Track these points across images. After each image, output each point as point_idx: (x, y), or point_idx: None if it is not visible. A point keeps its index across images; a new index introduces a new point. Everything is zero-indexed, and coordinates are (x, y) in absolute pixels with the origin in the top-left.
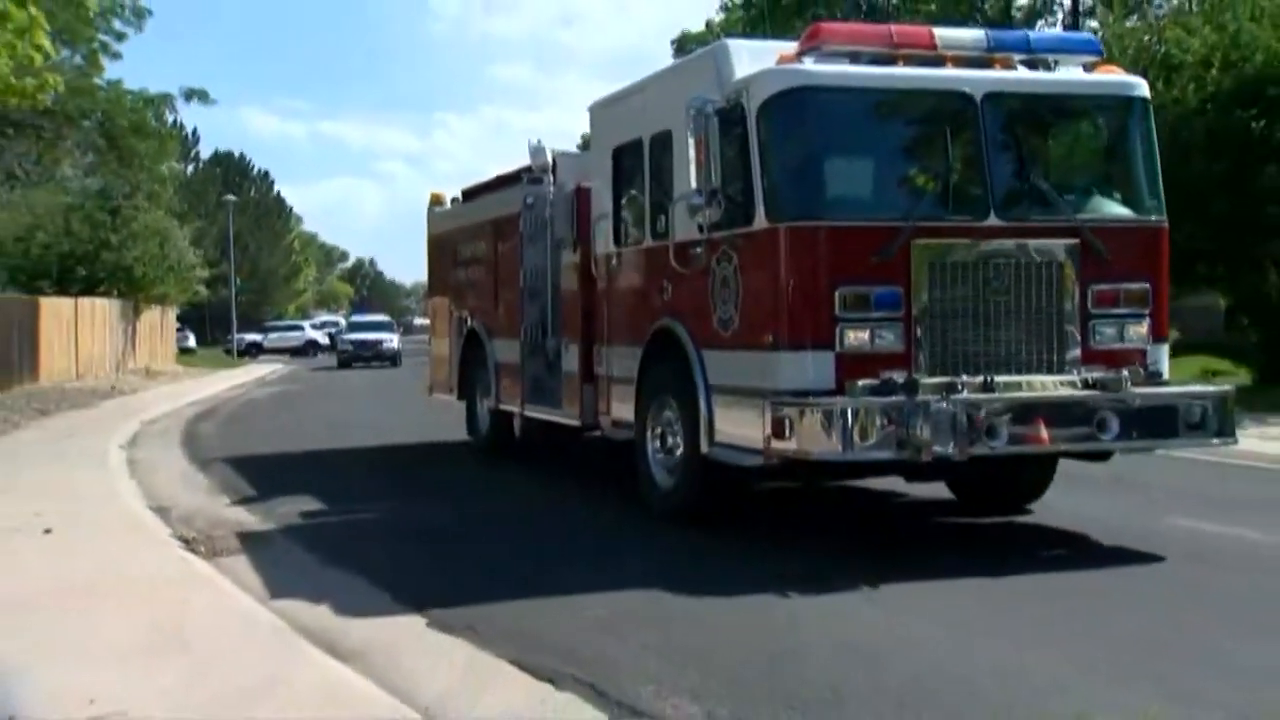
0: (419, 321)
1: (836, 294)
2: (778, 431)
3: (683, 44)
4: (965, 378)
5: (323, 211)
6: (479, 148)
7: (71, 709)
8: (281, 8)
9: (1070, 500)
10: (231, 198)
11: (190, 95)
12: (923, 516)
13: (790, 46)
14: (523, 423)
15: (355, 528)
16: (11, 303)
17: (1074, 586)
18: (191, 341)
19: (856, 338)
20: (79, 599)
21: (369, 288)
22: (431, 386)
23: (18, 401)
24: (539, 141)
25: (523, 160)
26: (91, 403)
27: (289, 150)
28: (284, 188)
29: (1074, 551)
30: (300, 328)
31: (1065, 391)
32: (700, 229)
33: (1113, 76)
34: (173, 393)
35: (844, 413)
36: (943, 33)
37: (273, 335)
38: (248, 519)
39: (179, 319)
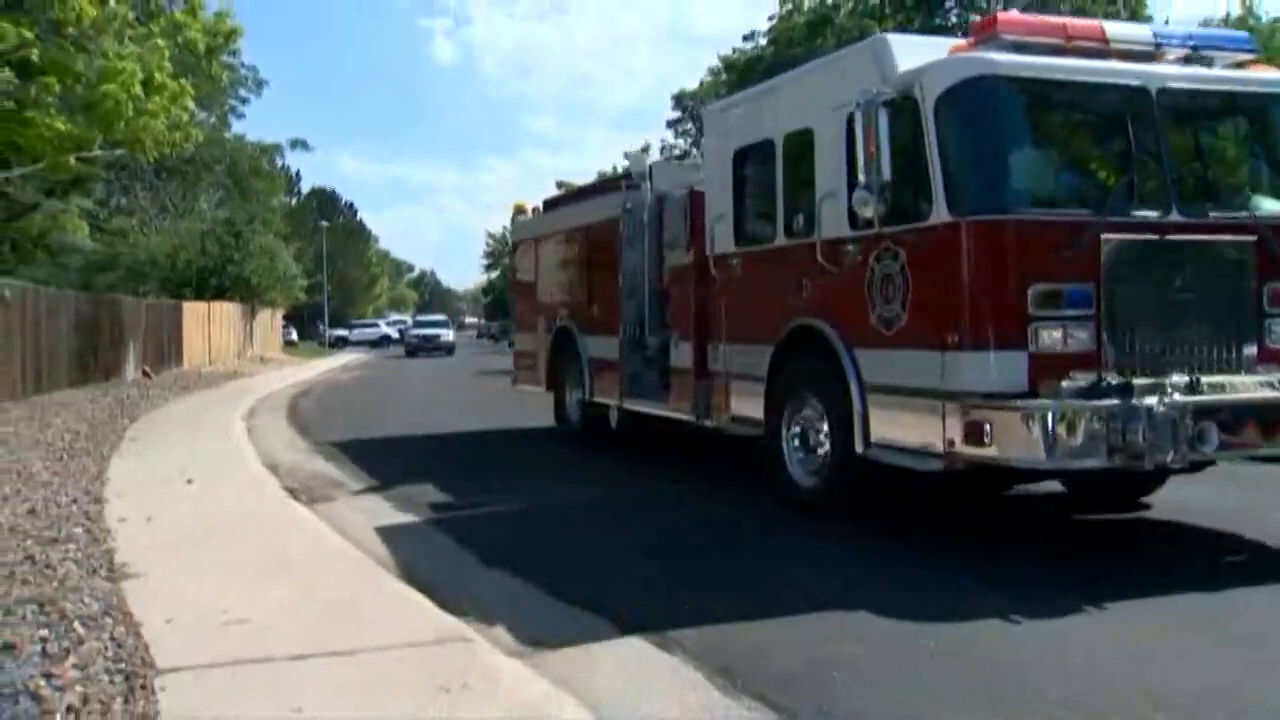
0: (469, 320)
1: (1029, 291)
2: (971, 435)
3: (680, 99)
4: (1174, 378)
5: (394, 233)
6: (515, 183)
7: (211, 617)
8: (360, 76)
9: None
10: (325, 224)
11: (294, 144)
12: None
13: (948, 41)
14: (620, 414)
15: (422, 481)
16: (163, 305)
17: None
18: (294, 335)
19: (1051, 337)
20: (213, 534)
21: (430, 293)
22: (516, 378)
23: (167, 382)
24: (639, 150)
25: (548, 192)
26: (219, 383)
27: (368, 185)
28: (364, 215)
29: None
30: (377, 325)
31: (1270, 393)
32: (853, 224)
33: (1276, 74)
34: (279, 376)
35: (1051, 416)
36: (1112, 27)
37: (355, 331)
38: (336, 474)
39: (284, 318)
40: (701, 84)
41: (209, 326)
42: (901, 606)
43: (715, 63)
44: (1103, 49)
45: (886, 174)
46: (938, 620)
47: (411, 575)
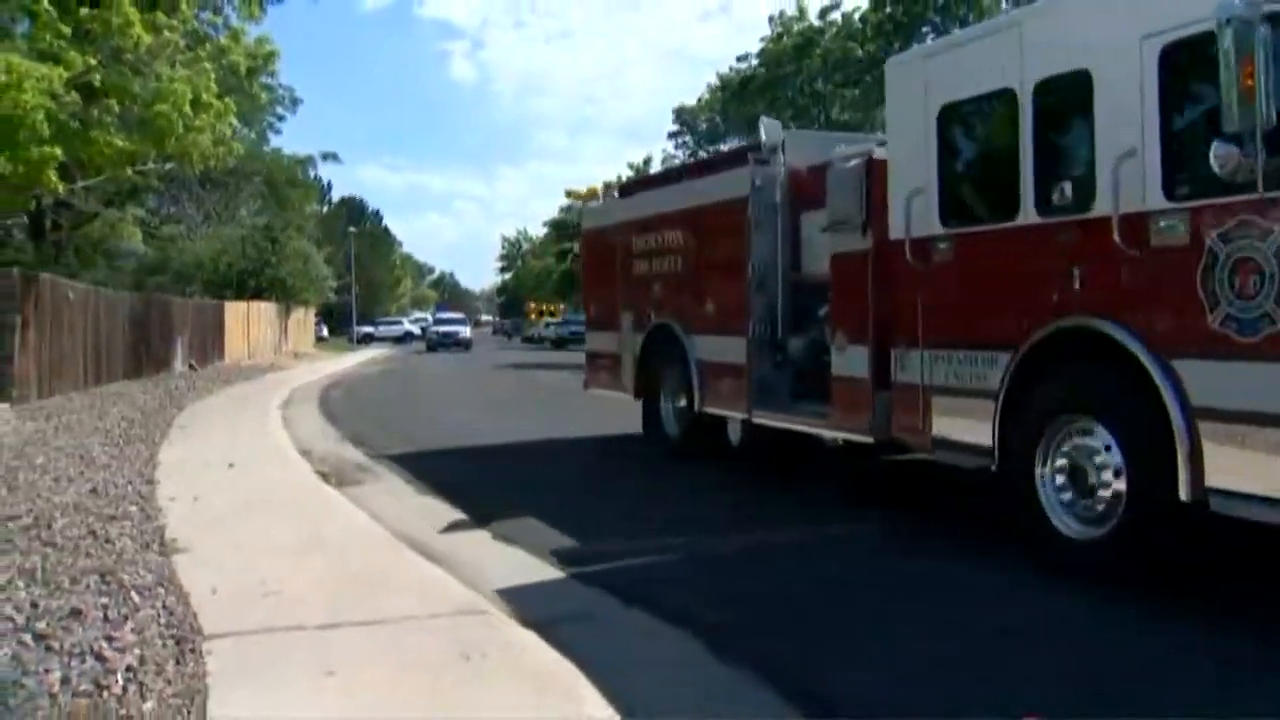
0: (485, 318)
1: None
2: None
3: (679, 114)
4: None
5: (416, 237)
6: (527, 191)
7: (251, 588)
8: (386, 95)
9: None
10: (353, 230)
11: (325, 156)
12: None
13: None
14: (745, 428)
15: (444, 466)
16: (207, 305)
17: None
18: (324, 332)
19: None
20: (251, 512)
21: (449, 293)
22: (589, 382)
23: (211, 375)
24: (773, 117)
25: (557, 199)
26: (257, 376)
27: (392, 194)
28: (389, 221)
29: None
30: (400, 322)
31: None
32: (1169, 193)
33: None
34: (312, 369)
35: None
36: None
37: (381, 328)
38: (363, 459)
39: (316, 316)
40: (699, 101)
41: (248, 324)
42: None
43: (713, 80)
44: None
45: (1273, 116)
46: None
47: (429, 551)
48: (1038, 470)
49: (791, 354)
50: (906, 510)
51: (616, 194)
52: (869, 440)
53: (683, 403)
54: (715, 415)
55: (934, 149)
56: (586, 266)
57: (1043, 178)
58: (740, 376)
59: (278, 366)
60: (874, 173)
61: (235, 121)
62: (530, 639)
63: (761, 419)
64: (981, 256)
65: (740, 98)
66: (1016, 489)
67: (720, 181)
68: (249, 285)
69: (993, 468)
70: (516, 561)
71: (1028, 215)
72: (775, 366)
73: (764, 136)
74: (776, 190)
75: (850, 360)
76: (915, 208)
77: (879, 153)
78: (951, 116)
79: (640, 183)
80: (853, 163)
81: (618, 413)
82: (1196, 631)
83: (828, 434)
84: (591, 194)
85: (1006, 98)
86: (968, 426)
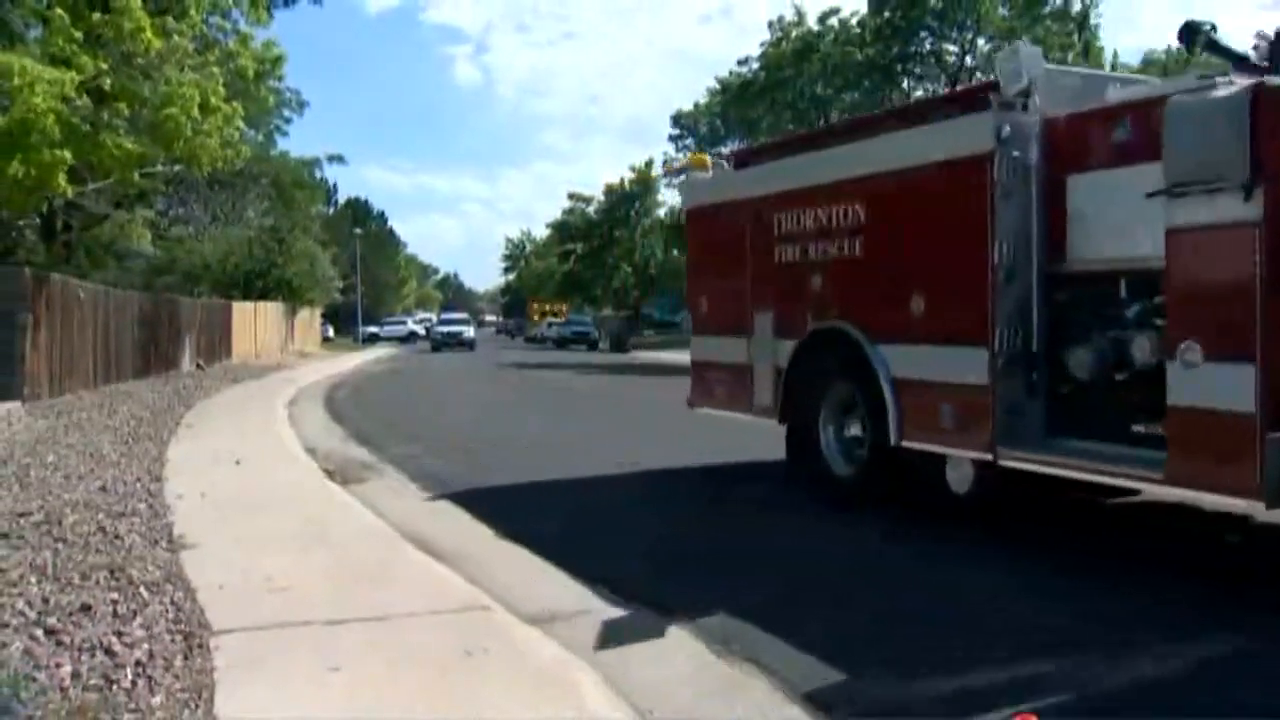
0: (488, 318)
1: None
2: None
3: (679, 119)
4: None
5: (420, 238)
6: (530, 192)
7: (258, 584)
8: (391, 97)
9: None
10: (358, 231)
11: (331, 159)
12: None
13: None
14: (978, 473)
15: (449, 465)
16: (215, 305)
17: None
18: (330, 332)
19: None
20: (259, 510)
21: (453, 293)
22: (697, 399)
23: (218, 373)
24: (1018, 46)
25: (559, 201)
26: (264, 375)
27: (397, 195)
28: (394, 223)
29: None
30: (404, 322)
31: None
32: None
33: None
34: (318, 368)
35: None
36: None
37: (385, 328)
38: (368, 457)
39: (322, 316)
40: (696, 105)
41: (255, 324)
42: None
43: (713, 84)
44: None
45: None
46: None
47: (431, 547)
48: None
49: (1074, 370)
50: None
51: (729, 165)
52: (1246, 505)
53: (858, 431)
54: (922, 452)
55: None
56: (694, 254)
57: None
58: (977, 401)
59: (284, 366)
60: (1267, 107)
61: (242, 124)
62: (533, 636)
63: (1013, 460)
64: None
65: (740, 101)
66: None
67: (939, 135)
68: (256, 286)
69: None
70: (522, 560)
71: None
72: (1028, 390)
73: (1012, 70)
74: (1032, 145)
75: (1214, 383)
76: None
77: (1274, 81)
78: None
79: (779, 146)
80: (1227, 92)
81: (638, 415)
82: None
83: (1151, 489)
84: (698, 163)
85: None
86: None
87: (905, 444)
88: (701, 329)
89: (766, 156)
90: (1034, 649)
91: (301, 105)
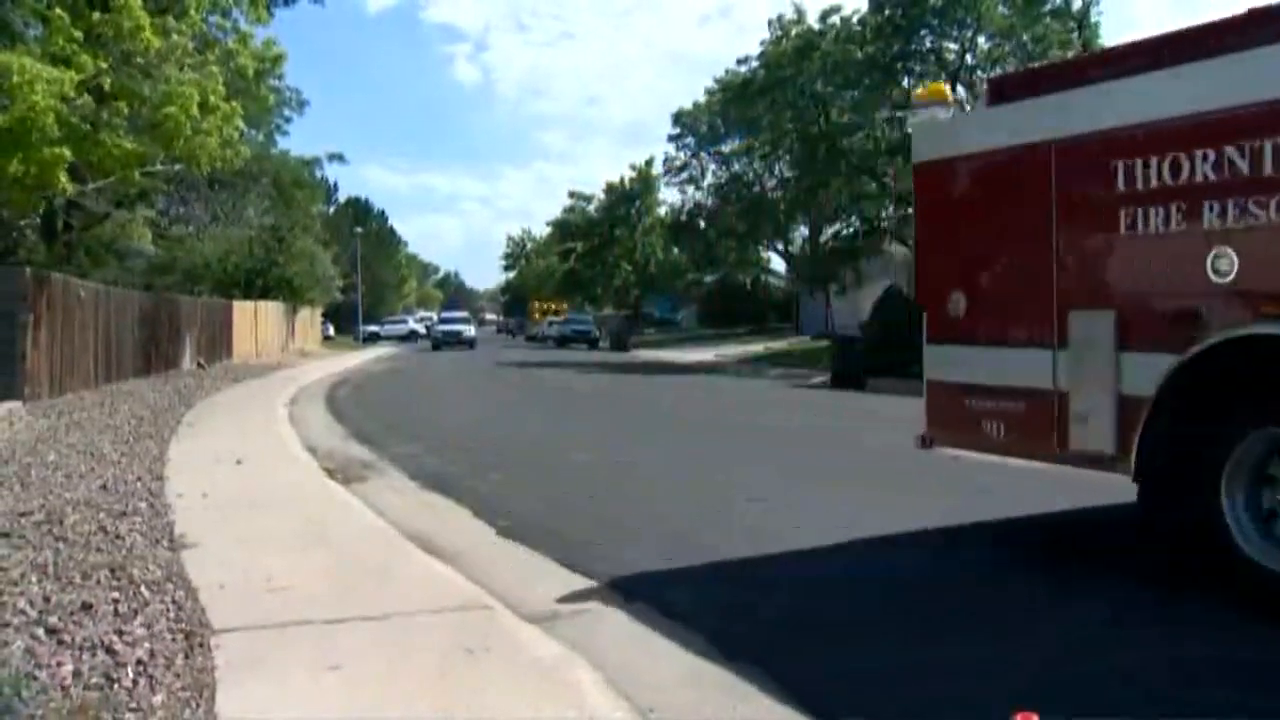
0: (489, 317)
1: None
2: None
3: (679, 118)
4: None
5: (421, 238)
6: (530, 191)
7: (258, 583)
8: (391, 97)
9: None
10: (359, 230)
11: (331, 158)
12: None
13: None
14: None
15: (449, 465)
16: (215, 304)
17: None
18: (331, 331)
19: None
20: (260, 509)
21: (453, 292)
22: (941, 434)
23: (219, 373)
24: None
25: (560, 201)
26: (265, 374)
27: (397, 195)
28: (394, 222)
29: None
30: (405, 321)
31: None
32: None
33: None
34: (318, 367)
35: None
36: None
37: (386, 327)
38: (369, 456)
39: (323, 315)
40: (696, 104)
41: (256, 323)
42: None
43: (711, 84)
44: None
45: None
46: None
47: (432, 547)
48: None
49: None
50: None
51: (990, 97)
52: None
53: None
54: None
55: None
56: (936, 227)
57: None
58: None
59: (284, 365)
60: None
61: (242, 124)
62: (534, 634)
63: None
64: None
65: (741, 99)
66: None
67: None
68: (256, 285)
69: None
70: (523, 558)
71: None
72: None
73: None
74: None
75: None
76: None
77: None
78: None
79: (1113, 58)
80: None
81: (638, 415)
82: None
83: None
84: (936, 94)
85: None
86: None
87: None
88: (951, 334)
89: (1082, 78)
90: None
91: (301, 104)
